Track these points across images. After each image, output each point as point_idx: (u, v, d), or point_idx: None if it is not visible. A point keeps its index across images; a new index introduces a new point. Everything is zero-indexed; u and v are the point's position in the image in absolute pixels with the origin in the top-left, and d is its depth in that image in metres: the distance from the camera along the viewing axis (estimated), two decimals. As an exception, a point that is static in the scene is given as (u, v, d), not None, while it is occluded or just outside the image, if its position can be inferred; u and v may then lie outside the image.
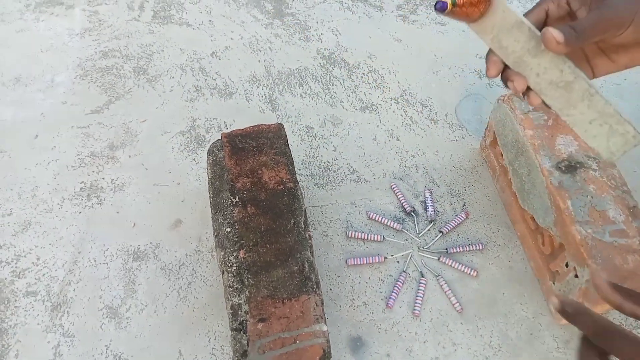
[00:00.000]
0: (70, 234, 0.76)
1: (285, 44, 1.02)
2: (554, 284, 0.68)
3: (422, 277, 0.73)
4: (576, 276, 0.63)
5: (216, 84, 0.95)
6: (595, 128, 0.47)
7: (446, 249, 0.75)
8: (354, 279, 0.73)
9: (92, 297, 0.71)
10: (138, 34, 1.02)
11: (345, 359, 0.67)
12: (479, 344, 0.68)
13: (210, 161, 0.71)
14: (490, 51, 0.47)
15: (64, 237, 0.76)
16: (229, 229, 0.64)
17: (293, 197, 0.66)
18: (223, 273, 0.63)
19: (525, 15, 0.48)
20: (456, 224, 0.77)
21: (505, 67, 0.47)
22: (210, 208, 0.70)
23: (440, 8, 0.42)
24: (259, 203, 0.65)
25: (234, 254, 0.62)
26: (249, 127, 0.71)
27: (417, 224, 0.78)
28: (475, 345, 0.68)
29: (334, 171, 0.84)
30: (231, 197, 0.65)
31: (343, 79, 0.96)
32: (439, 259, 0.74)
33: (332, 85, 0.95)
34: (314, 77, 0.96)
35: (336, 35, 1.03)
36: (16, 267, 0.73)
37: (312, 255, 0.63)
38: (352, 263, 0.74)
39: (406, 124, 0.90)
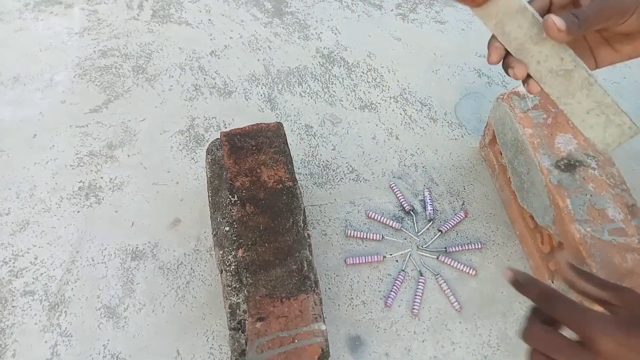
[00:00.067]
0: (68, 234, 0.76)
1: (285, 42, 1.01)
2: (552, 282, 0.68)
3: (421, 276, 0.72)
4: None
5: (215, 83, 0.95)
6: (592, 118, 0.47)
7: (445, 247, 0.75)
8: (353, 278, 0.73)
9: (90, 297, 0.71)
10: (137, 33, 1.02)
11: (343, 358, 0.67)
12: (477, 343, 0.68)
13: (209, 160, 0.71)
14: (492, 37, 0.47)
15: (62, 237, 0.76)
16: (227, 228, 0.64)
17: (292, 196, 0.65)
18: (221, 272, 0.63)
19: (530, 2, 0.48)
20: (455, 222, 0.77)
21: (507, 54, 0.47)
22: (209, 207, 0.69)
23: None
24: (258, 202, 0.65)
25: (233, 253, 0.62)
26: (248, 126, 0.71)
27: (416, 223, 0.78)
28: (474, 345, 0.68)
29: (333, 170, 0.84)
30: (230, 196, 0.65)
31: (342, 78, 0.96)
32: (437, 258, 0.74)
33: (332, 84, 0.95)
34: (313, 76, 0.96)
35: (335, 34, 1.03)
36: (14, 266, 0.73)
37: (311, 254, 0.63)
38: (351, 262, 0.73)
39: (405, 122, 0.90)
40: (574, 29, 0.43)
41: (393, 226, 0.77)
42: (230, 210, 0.64)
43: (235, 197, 0.65)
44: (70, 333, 0.68)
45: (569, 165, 0.67)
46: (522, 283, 0.43)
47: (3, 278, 0.72)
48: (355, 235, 0.76)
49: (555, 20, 0.43)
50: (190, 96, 0.93)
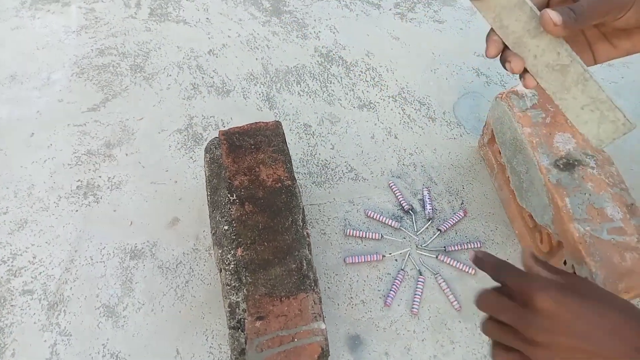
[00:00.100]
0: (66, 233, 0.76)
1: (283, 41, 1.01)
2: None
3: (421, 275, 0.72)
4: (574, 274, 0.63)
5: (213, 81, 0.95)
6: (587, 114, 0.47)
7: (444, 247, 0.75)
8: (352, 277, 0.73)
9: (89, 296, 0.71)
10: (135, 32, 1.02)
11: (343, 358, 0.67)
12: (477, 342, 0.68)
13: (208, 159, 0.71)
14: (491, 31, 0.47)
15: (60, 236, 0.76)
16: (226, 227, 0.64)
17: (291, 194, 0.65)
18: (221, 271, 0.63)
19: None
20: (454, 222, 0.77)
21: (505, 48, 0.47)
22: (207, 206, 0.69)
23: None
24: (257, 201, 0.64)
25: (232, 252, 0.62)
26: (247, 125, 0.71)
27: (415, 222, 0.78)
28: (473, 344, 0.68)
29: (332, 169, 0.84)
30: (229, 195, 0.65)
31: (341, 77, 0.96)
32: (437, 257, 0.74)
33: (330, 83, 0.95)
34: (312, 75, 0.96)
35: (334, 33, 1.03)
36: (12, 265, 0.73)
37: (310, 253, 0.63)
38: (350, 261, 0.73)
39: (404, 122, 0.90)
40: (570, 24, 0.43)
41: (392, 225, 0.77)
42: (229, 209, 0.64)
43: (234, 196, 0.65)
44: (69, 332, 0.68)
45: (568, 164, 0.67)
46: (479, 258, 0.47)
47: (2, 277, 0.72)
48: (354, 235, 0.76)
49: (552, 14, 0.43)
50: (189, 95, 0.93)
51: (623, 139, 0.49)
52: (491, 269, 0.46)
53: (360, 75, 0.96)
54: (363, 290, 0.72)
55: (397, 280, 0.72)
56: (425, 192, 0.80)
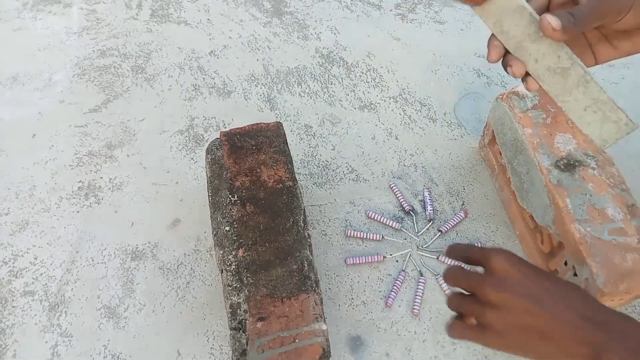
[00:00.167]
0: (68, 234, 0.76)
1: (284, 42, 1.01)
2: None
3: (421, 276, 0.72)
4: (575, 274, 0.63)
5: (214, 82, 0.95)
6: (590, 115, 0.48)
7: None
8: (353, 278, 0.73)
9: (90, 297, 0.71)
10: (136, 33, 1.02)
11: (344, 358, 0.67)
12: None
13: (209, 160, 0.71)
14: (492, 36, 0.48)
15: (61, 237, 0.76)
16: (227, 228, 0.64)
17: (292, 195, 0.65)
18: (222, 272, 0.63)
19: (528, 0, 0.48)
20: (455, 222, 0.77)
21: (506, 52, 0.48)
22: (208, 207, 0.69)
23: None
24: (258, 202, 0.65)
25: (233, 252, 0.62)
26: (248, 126, 0.71)
27: (416, 223, 0.78)
28: (474, 345, 0.68)
29: (333, 170, 0.84)
30: (230, 196, 0.65)
31: (342, 78, 0.96)
32: (438, 258, 0.74)
33: (331, 84, 0.95)
34: (313, 76, 0.96)
35: (335, 34, 1.03)
36: (14, 266, 0.73)
37: (311, 254, 0.63)
38: (351, 262, 0.73)
39: (405, 123, 0.90)
40: (569, 28, 0.44)
41: (393, 226, 0.77)
42: (231, 210, 0.64)
43: (235, 196, 0.65)
44: (70, 333, 0.68)
45: (569, 165, 0.67)
46: (448, 249, 0.51)
47: (3, 278, 0.72)
48: (355, 236, 0.76)
49: (550, 19, 0.43)
50: (190, 96, 0.93)
51: (624, 140, 0.49)
52: (456, 252, 0.50)
53: (361, 76, 0.97)
54: (364, 291, 0.72)
55: (398, 281, 0.72)
56: (426, 193, 0.80)
